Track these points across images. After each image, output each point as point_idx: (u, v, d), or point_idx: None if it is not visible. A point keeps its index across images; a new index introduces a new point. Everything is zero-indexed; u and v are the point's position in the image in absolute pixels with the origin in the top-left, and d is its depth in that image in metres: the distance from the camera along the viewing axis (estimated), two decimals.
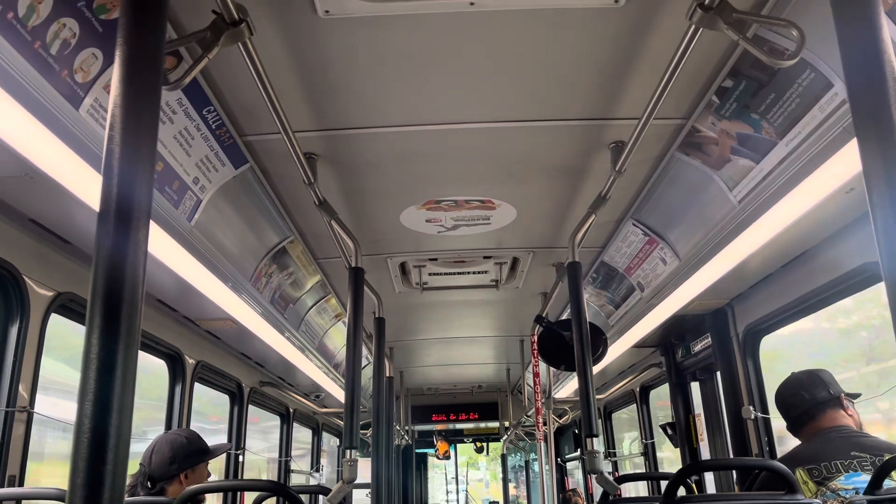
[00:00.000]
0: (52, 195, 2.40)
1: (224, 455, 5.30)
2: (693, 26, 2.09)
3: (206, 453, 3.29)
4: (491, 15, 2.33)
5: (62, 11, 1.92)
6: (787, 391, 2.98)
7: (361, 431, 7.11)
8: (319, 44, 2.46)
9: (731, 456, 4.57)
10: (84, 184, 2.33)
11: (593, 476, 3.25)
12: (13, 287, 2.76)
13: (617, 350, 5.58)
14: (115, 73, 1.35)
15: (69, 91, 2.08)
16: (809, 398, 2.87)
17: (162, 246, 2.97)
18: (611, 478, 3.24)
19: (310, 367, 5.92)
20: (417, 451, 13.74)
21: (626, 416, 7.90)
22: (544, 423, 6.35)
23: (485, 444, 14.01)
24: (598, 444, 3.22)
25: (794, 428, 2.97)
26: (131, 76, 1.35)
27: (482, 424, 12.32)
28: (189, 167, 2.86)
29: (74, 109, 2.13)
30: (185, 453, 3.19)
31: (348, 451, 3.18)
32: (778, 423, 4.16)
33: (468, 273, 5.25)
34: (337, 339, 6.22)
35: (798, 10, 2.20)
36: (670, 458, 6.51)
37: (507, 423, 11.23)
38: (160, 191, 2.75)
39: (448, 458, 14.13)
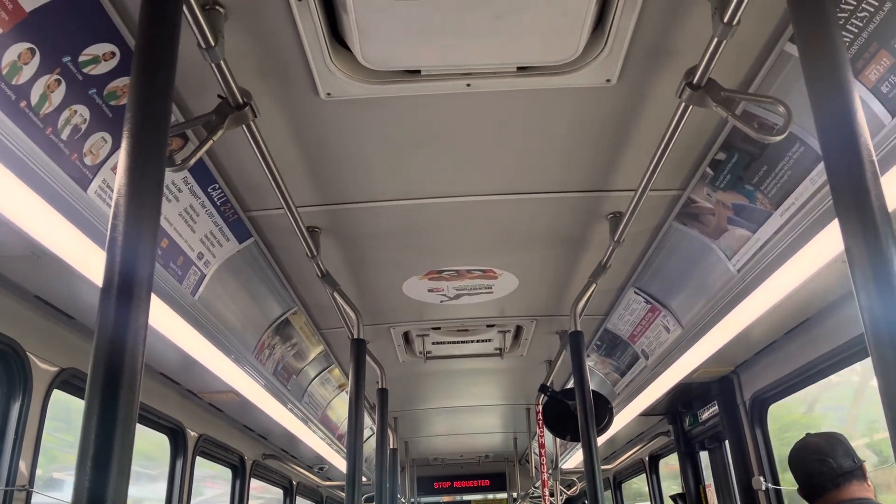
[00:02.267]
0: (59, 273, 2.43)
1: None
2: (683, 104, 2.15)
3: None
4: (487, 95, 2.40)
5: (74, 99, 2.00)
6: (810, 456, 2.72)
7: None
8: (321, 124, 2.54)
9: None
10: (90, 262, 2.37)
11: None
12: (16, 363, 2.76)
13: (624, 419, 5.51)
14: (122, 156, 1.40)
15: (78, 173, 2.14)
16: (836, 467, 2.63)
17: (166, 320, 2.99)
18: None
19: (313, 440, 5.85)
20: None
21: (636, 486, 7.73)
22: (551, 495, 6.21)
23: None
24: None
25: (811, 495, 2.73)
26: (137, 159, 1.40)
27: (490, 496, 12.02)
28: (194, 243, 2.91)
29: (83, 191, 2.18)
30: None
31: None
32: (790, 493, 4.08)
33: (472, 342, 5.24)
34: (340, 410, 6.16)
35: (785, 87, 2.27)
36: None
37: (515, 495, 10.97)
38: (164, 267, 2.79)
39: None
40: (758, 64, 2.31)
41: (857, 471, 2.64)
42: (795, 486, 2.88)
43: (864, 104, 2.08)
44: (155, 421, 4.06)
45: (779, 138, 2.06)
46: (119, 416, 1.22)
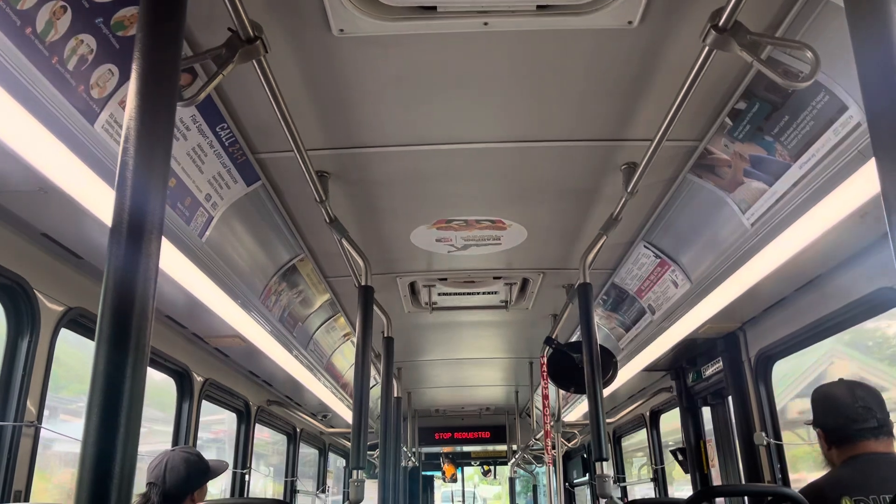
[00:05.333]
0: (65, 210, 2.41)
1: (230, 474, 5.28)
2: (707, 48, 2.09)
3: (210, 471, 3.28)
4: (504, 35, 2.33)
5: (80, 28, 1.94)
6: (855, 402, 2.61)
7: (368, 453, 7.07)
8: (333, 62, 2.47)
9: (745, 482, 4.50)
10: (97, 199, 2.34)
11: (602, 501, 3.20)
12: (24, 301, 2.76)
13: (627, 373, 5.53)
14: (131, 89, 1.36)
15: (85, 106, 2.10)
16: (880, 418, 2.57)
17: (172, 262, 2.97)
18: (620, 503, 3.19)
19: (317, 387, 5.90)
20: (424, 473, 13.62)
21: (635, 441, 7.81)
22: (553, 447, 6.28)
23: (492, 468, 13.87)
24: (607, 468, 3.18)
25: (842, 439, 2.63)
26: (147, 92, 1.36)
27: (490, 447, 12.20)
28: (201, 184, 2.87)
29: (90, 125, 2.14)
30: (198, 471, 3.19)
31: (355, 472, 3.15)
32: (790, 449, 4.11)
33: (478, 293, 5.23)
34: (345, 358, 6.20)
35: (813, 32, 2.20)
36: (681, 483, 6.41)
37: (514, 447, 11.12)
38: (172, 207, 2.76)
39: (455, 481, 14.00)
40: (786, 8, 2.23)
41: (892, 427, 2.61)
42: (797, 443, 2.87)
43: None
44: (161, 363, 4.08)
45: (805, 85, 2.00)
46: (129, 358, 1.20)
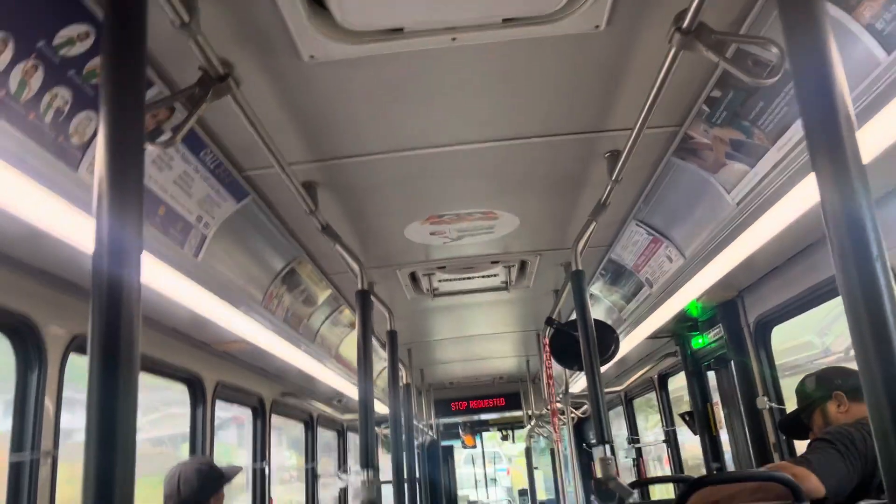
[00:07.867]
0: (60, 249, 2.47)
1: (249, 470, 5.43)
2: (674, 48, 2.10)
3: (223, 477, 3.41)
4: (474, 47, 2.35)
5: (53, 82, 1.98)
6: None
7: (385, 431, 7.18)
8: (308, 85, 2.50)
9: (751, 445, 4.58)
10: (88, 234, 2.39)
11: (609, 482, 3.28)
12: (29, 335, 2.83)
13: (632, 341, 5.59)
14: (100, 133, 1.42)
15: (67, 154, 2.14)
16: None
17: (172, 283, 3.03)
18: (624, 483, 3.26)
19: (329, 376, 5.99)
20: (444, 443, 13.84)
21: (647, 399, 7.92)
22: (562, 414, 6.39)
23: (510, 433, 14.07)
24: (609, 450, 3.26)
25: (860, 397, 2.96)
26: (115, 134, 1.42)
27: (506, 414, 12.36)
28: (191, 207, 2.92)
29: (73, 171, 2.19)
30: (210, 480, 3.32)
31: (365, 471, 3.23)
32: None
33: (478, 277, 5.27)
34: (354, 345, 6.28)
35: (778, 25, 2.20)
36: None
37: (529, 412, 11.28)
38: (165, 233, 2.82)
39: (474, 447, 14.24)
40: (749, 4, 2.23)
41: None
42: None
43: (858, 41, 2.03)
44: (172, 374, 4.17)
45: (771, 81, 2.01)
46: (121, 374, 1.28)
